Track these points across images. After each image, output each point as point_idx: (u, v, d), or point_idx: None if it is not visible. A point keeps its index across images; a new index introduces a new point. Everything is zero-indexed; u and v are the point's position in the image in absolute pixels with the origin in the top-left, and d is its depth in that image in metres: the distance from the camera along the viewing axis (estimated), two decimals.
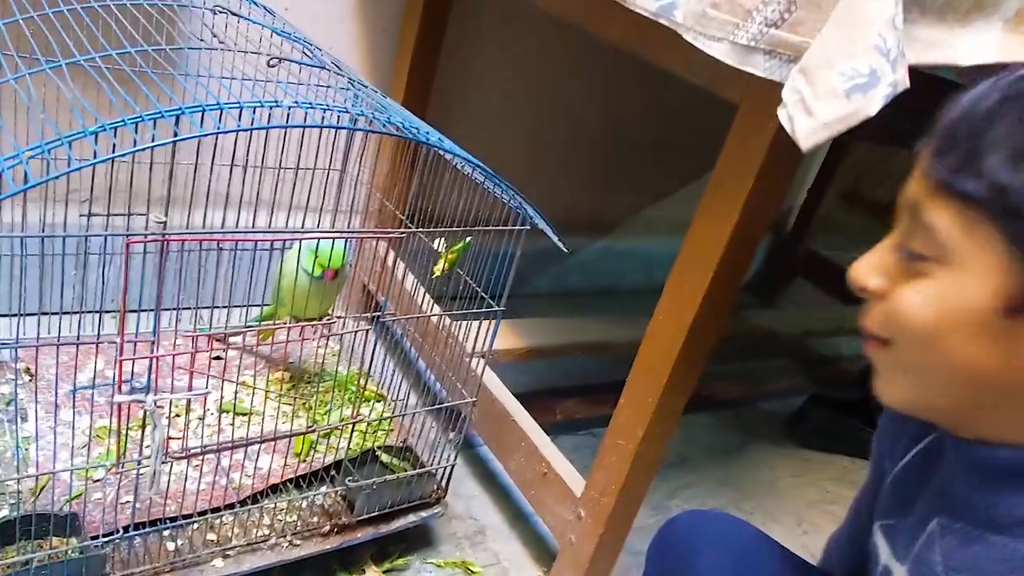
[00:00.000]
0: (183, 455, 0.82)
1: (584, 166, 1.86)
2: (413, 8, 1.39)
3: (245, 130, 0.67)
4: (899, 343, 0.53)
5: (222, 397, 1.12)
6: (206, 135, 0.66)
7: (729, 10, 0.72)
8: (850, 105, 0.63)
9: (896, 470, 0.65)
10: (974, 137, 0.48)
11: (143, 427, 0.96)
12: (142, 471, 0.82)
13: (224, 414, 1.09)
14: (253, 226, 1.06)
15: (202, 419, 1.08)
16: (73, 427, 0.91)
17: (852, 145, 2.24)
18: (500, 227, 0.93)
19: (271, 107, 0.71)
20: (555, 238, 0.91)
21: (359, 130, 0.73)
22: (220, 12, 0.99)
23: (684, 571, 0.76)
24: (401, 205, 1.26)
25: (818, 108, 0.66)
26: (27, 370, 1.10)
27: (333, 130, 1.06)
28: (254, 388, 1.11)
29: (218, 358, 1.21)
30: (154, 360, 0.77)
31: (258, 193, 1.04)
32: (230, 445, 0.85)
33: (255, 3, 1.09)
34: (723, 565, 0.75)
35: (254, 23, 1.01)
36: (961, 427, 0.55)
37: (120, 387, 0.75)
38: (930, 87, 0.70)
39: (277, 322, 1.10)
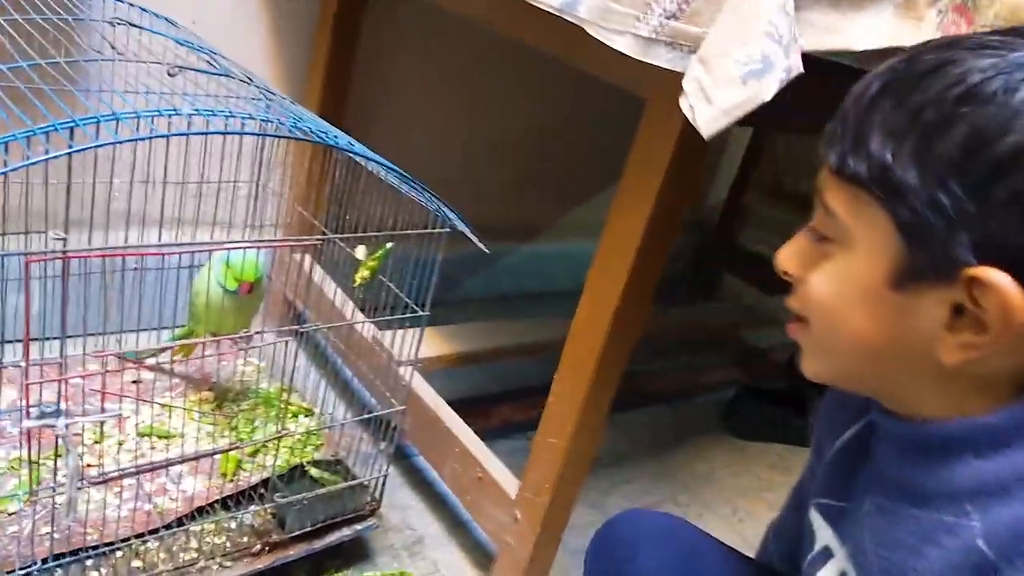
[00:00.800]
0: (100, 480, 0.79)
1: (510, 170, 1.86)
2: (325, 16, 1.38)
3: (143, 139, 0.66)
4: (813, 321, 0.56)
5: (138, 421, 1.08)
6: (101, 145, 0.64)
7: (630, 3, 0.74)
8: (747, 91, 0.65)
9: (833, 451, 0.66)
10: (859, 123, 0.50)
11: (58, 455, 0.93)
12: (58, 500, 0.79)
13: (144, 437, 1.06)
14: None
15: (121, 444, 1.05)
16: None
17: (772, 139, 2.30)
18: (419, 231, 0.92)
19: (170, 116, 0.69)
20: (474, 239, 0.91)
21: (261, 135, 0.72)
22: (119, 24, 0.96)
23: (624, 571, 0.76)
24: (320, 215, 1.24)
25: (717, 95, 0.67)
26: None
27: (243, 141, 1.04)
28: (171, 408, 1.08)
29: (137, 381, 1.17)
30: (63, 383, 0.74)
31: (163, 209, 1.01)
32: (149, 467, 0.82)
33: (157, 16, 1.07)
34: (663, 564, 0.75)
35: (156, 34, 0.99)
36: (886, 401, 0.56)
37: (28, 413, 0.72)
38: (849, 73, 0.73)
39: (194, 339, 1.07)
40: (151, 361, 1.20)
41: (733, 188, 2.30)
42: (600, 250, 0.89)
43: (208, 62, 0.93)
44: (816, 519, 0.66)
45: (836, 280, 0.53)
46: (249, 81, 0.89)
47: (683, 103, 0.70)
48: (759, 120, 0.77)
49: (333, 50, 1.39)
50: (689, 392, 1.84)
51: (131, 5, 1.06)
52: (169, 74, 0.84)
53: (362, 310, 1.22)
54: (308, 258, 1.45)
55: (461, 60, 1.65)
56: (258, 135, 0.71)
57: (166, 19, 1.08)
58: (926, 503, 0.51)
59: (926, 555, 0.49)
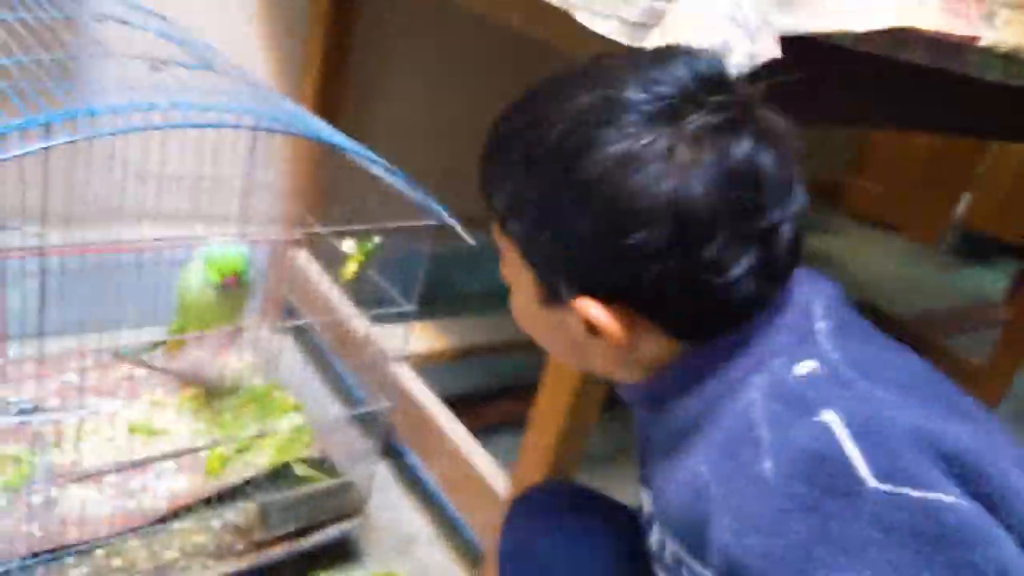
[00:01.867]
0: (77, 477, 0.78)
1: None
2: (319, 10, 1.37)
3: (117, 133, 0.64)
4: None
5: (128, 418, 1.07)
6: (74, 140, 0.63)
7: None
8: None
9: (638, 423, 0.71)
10: (491, 172, 0.57)
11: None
12: (33, 497, 0.78)
13: (133, 434, 1.05)
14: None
15: (110, 440, 1.04)
16: None
17: None
18: (404, 223, 0.91)
19: (146, 110, 0.68)
20: (460, 231, 0.90)
21: (236, 127, 0.70)
22: (105, 20, 0.95)
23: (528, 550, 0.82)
24: (315, 210, 1.23)
25: None
26: None
27: (233, 136, 1.03)
28: (158, 404, 1.07)
29: (129, 378, 1.16)
30: (41, 380, 0.73)
31: (146, 204, 1.00)
32: (128, 464, 0.81)
33: (150, 13, 1.06)
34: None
35: (145, 30, 0.97)
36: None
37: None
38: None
39: (175, 331, 1.06)
40: (144, 357, 1.19)
41: None
42: None
43: (193, 56, 0.92)
44: (641, 489, 0.71)
45: (518, 307, 0.62)
46: (240, 78, 0.88)
47: None
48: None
49: (327, 45, 1.37)
50: None
51: (118, 2, 1.05)
52: (153, 68, 0.83)
53: (358, 307, 1.21)
54: (302, 253, 1.44)
55: (459, 51, 1.63)
56: (232, 127, 0.70)
57: (155, 15, 1.06)
58: (672, 454, 0.57)
59: (669, 491, 0.56)
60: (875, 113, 1.12)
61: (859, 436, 0.45)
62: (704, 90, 0.50)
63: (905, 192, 3.10)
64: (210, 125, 0.70)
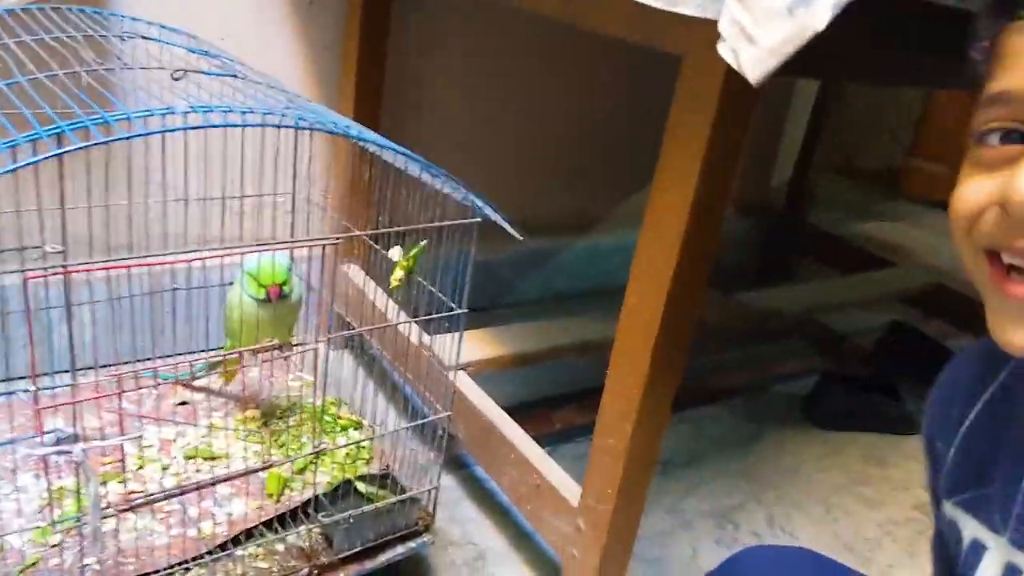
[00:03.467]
0: (127, 507, 0.75)
1: (559, 163, 1.79)
2: (352, 18, 1.34)
3: (130, 137, 0.61)
4: None
5: (185, 444, 1.05)
6: (87, 146, 0.60)
7: None
8: (794, 22, 0.56)
9: (957, 440, 0.58)
10: None
11: (104, 482, 0.90)
12: (84, 529, 0.75)
13: (190, 460, 1.02)
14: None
15: (166, 468, 1.01)
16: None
17: (834, 112, 2.17)
18: (447, 223, 0.86)
19: (163, 115, 0.65)
20: (508, 227, 0.84)
21: (262, 126, 0.66)
22: (130, 37, 0.93)
23: None
24: (364, 225, 1.19)
25: (760, 34, 0.59)
26: None
27: (277, 153, 1.00)
28: (215, 428, 1.04)
29: (184, 403, 1.14)
30: (77, 406, 0.70)
31: (187, 226, 0.97)
32: (177, 491, 0.78)
33: (175, 30, 1.04)
34: None
35: (168, 45, 0.95)
36: None
37: (43, 438, 0.69)
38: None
39: (225, 352, 1.03)
40: (199, 382, 1.17)
41: (797, 167, 2.17)
42: (645, 227, 0.81)
43: (219, 66, 0.89)
44: (958, 515, 0.57)
45: None
46: (267, 84, 0.85)
47: (722, 50, 0.62)
48: (817, 65, 0.69)
49: (363, 52, 1.34)
50: (765, 382, 1.72)
51: (150, 23, 1.04)
52: (173, 78, 0.80)
53: (411, 316, 1.17)
54: (352, 267, 1.41)
55: (497, 50, 1.59)
56: (259, 126, 0.66)
57: (185, 33, 1.04)
58: None
59: None
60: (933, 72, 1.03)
61: None
62: None
63: None
64: (233, 124, 0.66)
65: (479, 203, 0.84)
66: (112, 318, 0.95)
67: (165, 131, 0.63)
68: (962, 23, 0.70)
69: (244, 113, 0.67)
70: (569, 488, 1.00)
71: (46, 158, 0.57)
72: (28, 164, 0.57)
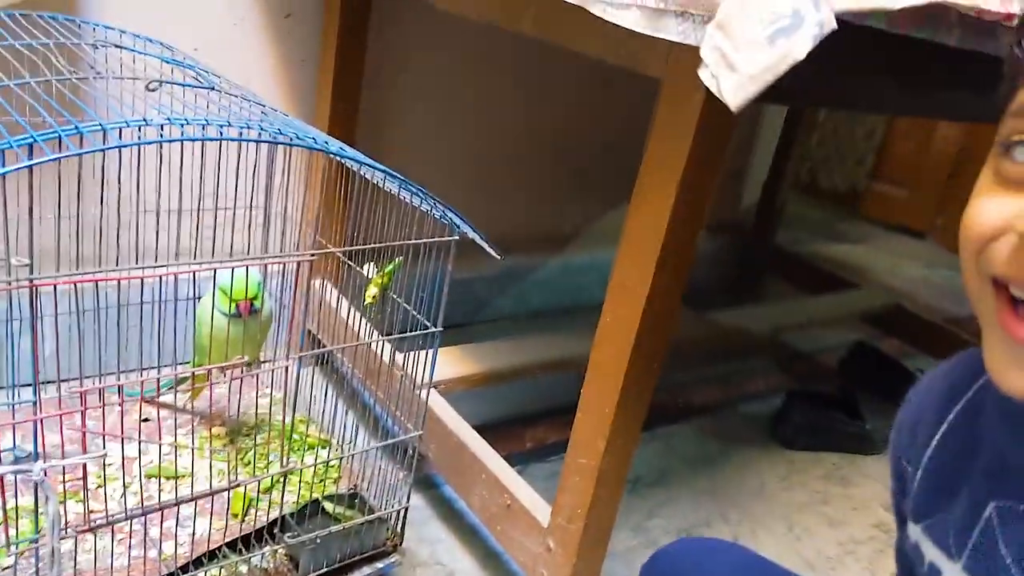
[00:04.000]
0: (86, 528, 0.73)
1: (533, 178, 1.78)
2: (328, 34, 1.33)
3: (104, 149, 0.60)
4: None
5: (146, 462, 1.02)
6: (57, 158, 0.58)
7: None
8: (775, 52, 0.57)
9: (924, 462, 0.57)
10: None
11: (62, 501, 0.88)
12: (41, 551, 0.73)
13: (151, 479, 1.00)
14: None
15: (127, 486, 0.99)
16: None
17: (803, 135, 2.21)
18: (424, 240, 0.85)
19: (139, 126, 0.63)
20: (485, 245, 0.84)
21: (239, 140, 0.65)
22: (102, 46, 0.92)
23: None
24: (337, 240, 1.18)
25: (741, 61, 0.59)
26: None
27: (248, 163, 0.98)
28: (168, 444, 1.02)
29: (146, 420, 1.11)
30: (38, 423, 0.68)
31: (157, 238, 0.95)
32: (139, 511, 0.76)
33: (150, 40, 1.02)
34: None
35: (142, 54, 0.94)
36: None
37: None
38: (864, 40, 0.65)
39: (193, 368, 1.01)
40: (164, 398, 1.14)
41: (766, 187, 2.21)
42: (623, 246, 0.81)
43: (195, 77, 0.88)
44: (921, 539, 0.56)
45: None
46: (243, 97, 0.83)
47: (703, 75, 0.63)
48: (790, 93, 0.70)
49: (339, 67, 1.33)
50: (733, 401, 1.73)
51: (123, 32, 1.02)
52: (148, 89, 0.78)
53: (383, 334, 1.16)
54: (323, 283, 1.39)
55: (474, 66, 1.59)
56: (236, 140, 0.65)
57: (159, 43, 1.03)
58: None
59: None
60: (897, 101, 1.05)
61: None
62: None
63: (929, 195, 3.01)
64: (210, 139, 0.65)
65: (458, 221, 0.84)
66: (76, 331, 0.93)
67: (140, 144, 0.62)
68: (930, 51, 0.72)
69: (221, 127, 0.66)
70: (540, 508, 0.99)
71: (17, 169, 0.56)
72: (7, 171, 0.55)
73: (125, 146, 0.60)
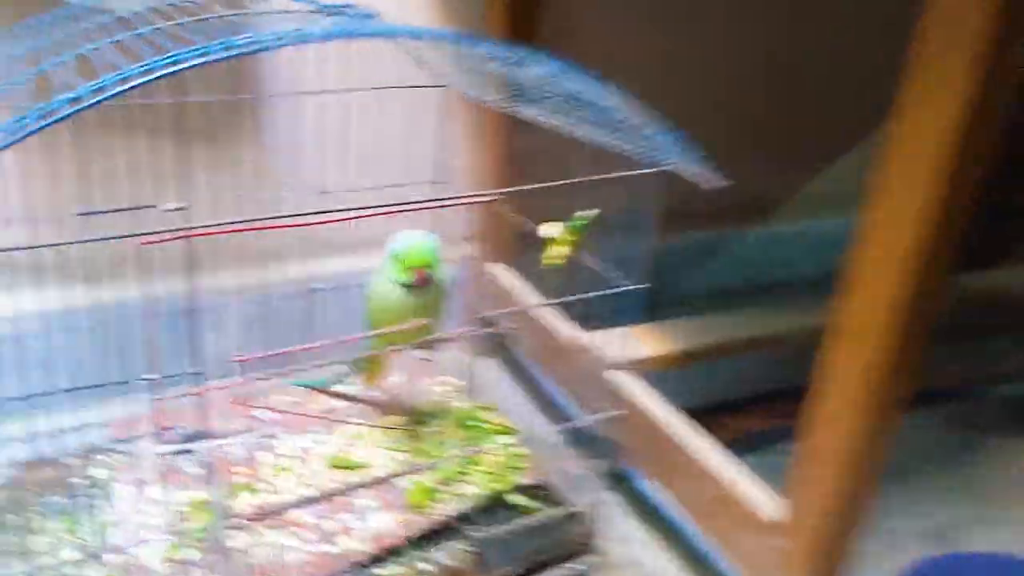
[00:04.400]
0: (254, 516, 0.64)
1: (733, 132, 1.49)
2: None
3: (272, 47, 0.51)
4: None
5: (299, 450, 0.95)
6: (209, 61, 0.50)
7: None
8: None
9: None
10: None
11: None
12: (209, 541, 0.65)
13: (329, 470, 0.92)
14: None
15: (303, 477, 0.92)
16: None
17: None
18: (629, 172, 0.71)
19: (295, 42, 0.54)
20: (708, 174, 0.69)
21: (412, 37, 0.54)
22: None
23: None
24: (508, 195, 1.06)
25: None
26: None
27: (422, 112, 0.89)
28: (344, 434, 0.94)
29: (325, 411, 1.04)
30: (205, 409, 0.60)
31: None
32: (306, 502, 0.67)
33: None
34: None
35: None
36: None
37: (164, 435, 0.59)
38: None
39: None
40: (340, 388, 1.08)
41: None
42: (875, 191, 0.64)
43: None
44: None
45: None
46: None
47: None
48: None
49: None
50: (982, 382, 1.49)
51: None
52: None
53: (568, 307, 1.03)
54: (502, 267, 1.28)
55: None
56: (411, 38, 0.54)
57: None
58: None
59: None
60: None
61: None
62: None
63: None
64: (383, 33, 0.54)
65: (669, 144, 0.68)
66: (251, 321, 0.87)
67: (298, 40, 0.52)
68: None
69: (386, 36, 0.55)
70: (763, 501, 0.83)
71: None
72: (139, 85, 0.47)
73: (281, 45, 0.51)
